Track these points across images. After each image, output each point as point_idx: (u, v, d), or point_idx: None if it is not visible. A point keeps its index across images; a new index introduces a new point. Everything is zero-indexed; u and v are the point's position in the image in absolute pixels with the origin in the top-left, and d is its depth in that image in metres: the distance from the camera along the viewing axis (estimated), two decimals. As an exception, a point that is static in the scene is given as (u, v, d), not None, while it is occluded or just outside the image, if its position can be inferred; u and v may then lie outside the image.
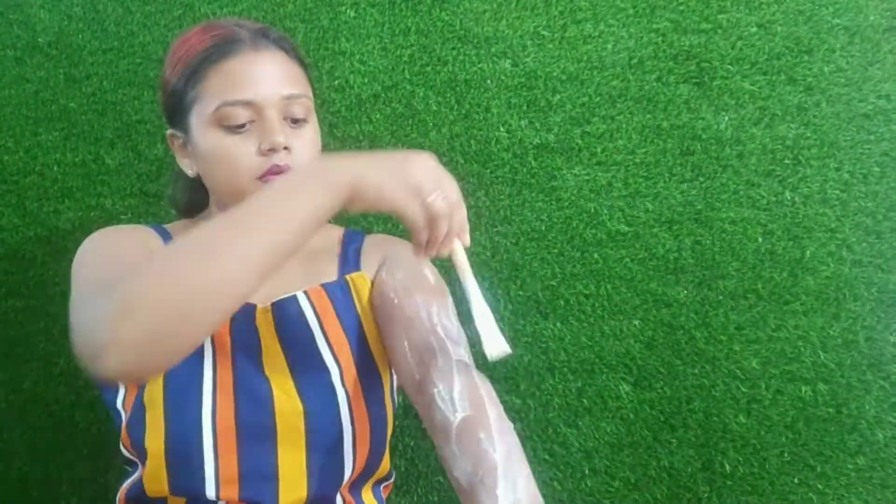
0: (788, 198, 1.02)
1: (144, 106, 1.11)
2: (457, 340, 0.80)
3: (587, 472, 1.03)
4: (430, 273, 0.88)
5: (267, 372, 0.80)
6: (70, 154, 1.12)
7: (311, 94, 0.86)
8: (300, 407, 0.78)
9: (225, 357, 0.80)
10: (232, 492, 0.76)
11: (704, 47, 1.04)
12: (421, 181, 0.67)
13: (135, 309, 0.59)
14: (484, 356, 0.70)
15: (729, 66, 1.03)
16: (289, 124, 0.83)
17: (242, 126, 0.80)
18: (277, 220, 0.64)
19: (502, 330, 0.71)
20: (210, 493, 0.76)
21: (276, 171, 0.80)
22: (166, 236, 0.88)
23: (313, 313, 0.83)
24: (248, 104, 0.80)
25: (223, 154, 0.81)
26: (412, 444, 1.07)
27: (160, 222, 1.10)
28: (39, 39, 1.13)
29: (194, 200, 0.95)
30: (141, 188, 1.11)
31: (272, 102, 0.81)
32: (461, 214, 0.71)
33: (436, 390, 0.74)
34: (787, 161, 1.02)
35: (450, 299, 0.86)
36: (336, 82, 1.09)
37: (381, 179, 0.66)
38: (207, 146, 0.82)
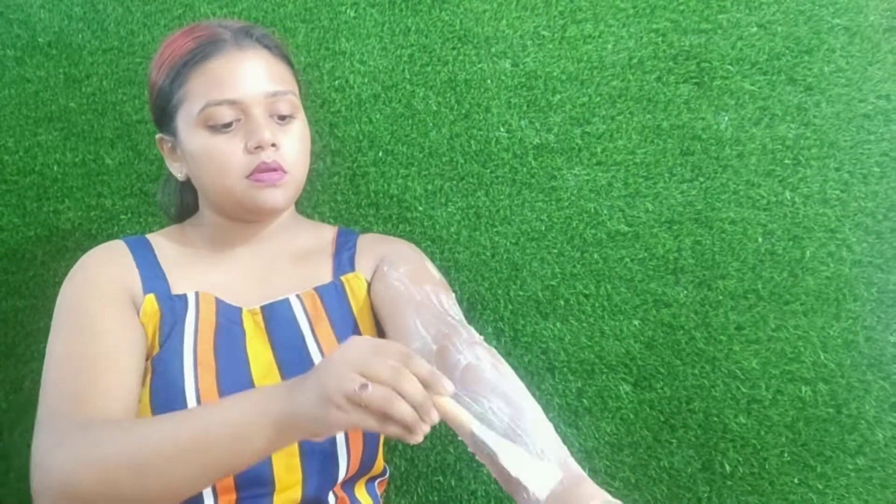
0: (788, 198, 1.02)
1: (144, 106, 1.11)
2: (469, 329, 0.79)
3: (587, 472, 1.03)
4: (434, 269, 0.89)
5: (255, 376, 0.80)
6: (70, 154, 1.12)
7: (297, 91, 0.86)
8: None
9: (208, 368, 0.79)
10: (229, 500, 0.77)
11: (704, 47, 1.04)
12: (342, 389, 0.58)
13: (72, 497, 0.67)
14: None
15: (729, 66, 1.03)
16: (275, 121, 0.83)
17: (229, 125, 0.81)
18: (218, 454, 0.65)
19: (539, 457, 0.63)
20: (208, 501, 0.76)
21: (265, 168, 0.81)
22: (144, 250, 0.87)
23: (305, 317, 0.83)
24: (232, 103, 0.80)
25: (211, 154, 0.81)
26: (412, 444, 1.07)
27: (160, 222, 1.11)
28: (39, 39, 1.14)
29: (185, 204, 0.95)
30: (141, 188, 1.11)
31: (257, 100, 0.81)
32: (410, 382, 0.59)
33: (461, 356, 0.72)
34: (787, 161, 1.02)
35: (454, 296, 0.86)
36: (336, 82, 1.09)
37: (310, 409, 0.61)
38: (195, 147, 0.82)
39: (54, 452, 0.69)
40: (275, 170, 0.81)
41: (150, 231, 1.10)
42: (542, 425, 0.67)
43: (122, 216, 1.11)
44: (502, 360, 0.74)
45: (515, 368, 1.03)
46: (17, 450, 1.11)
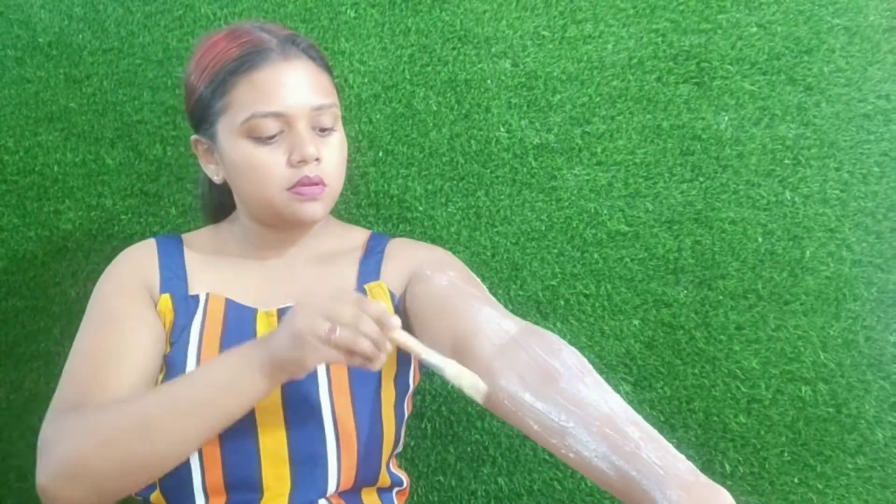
0: (788, 198, 1.02)
1: (144, 106, 1.11)
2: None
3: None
4: (479, 281, 0.89)
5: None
6: (70, 154, 1.12)
7: (338, 102, 0.86)
8: (282, 419, 0.78)
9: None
10: (219, 501, 0.78)
11: (704, 47, 1.04)
12: (312, 331, 0.67)
13: (77, 475, 0.70)
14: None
15: (729, 66, 1.03)
16: (317, 133, 0.82)
17: (272, 137, 0.80)
18: (212, 408, 0.71)
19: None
20: (199, 501, 0.77)
21: (307, 182, 0.81)
22: (172, 249, 0.89)
23: None
24: (278, 116, 0.80)
25: (253, 165, 0.81)
26: (412, 444, 1.07)
27: (160, 222, 1.11)
28: (39, 39, 1.14)
29: (222, 204, 0.95)
30: (141, 188, 1.11)
31: (303, 114, 0.81)
32: (368, 324, 0.67)
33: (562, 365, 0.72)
34: (787, 161, 1.02)
35: None
36: (336, 82, 1.09)
37: (286, 350, 0.69)
38: (236, 157, 0.82)
39: (59, 435, 0.72)
40: (316, 184, 0.81)
41: (151, 231, 1.10)
42: (654, 441, 0.65)
43: (123, 216, 1.11)
44: (589, 366, 0.73)
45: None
46: (17, 450, 1.11)
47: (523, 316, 1.04)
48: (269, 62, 0.80)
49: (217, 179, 0.87)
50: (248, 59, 0.81)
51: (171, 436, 0.71)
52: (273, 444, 0.78)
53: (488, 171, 1.06)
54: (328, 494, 0.79)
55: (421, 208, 1.07)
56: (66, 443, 0.71)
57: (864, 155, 1.01)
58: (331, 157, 0.83)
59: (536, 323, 1.04)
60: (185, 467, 0.76)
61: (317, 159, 0.81)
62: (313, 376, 0.79)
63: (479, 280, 0.89)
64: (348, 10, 1.09)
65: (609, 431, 0.64)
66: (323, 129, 0.83)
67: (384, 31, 1.09)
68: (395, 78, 1.08)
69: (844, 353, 1.00)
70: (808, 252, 1.01)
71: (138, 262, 0.87)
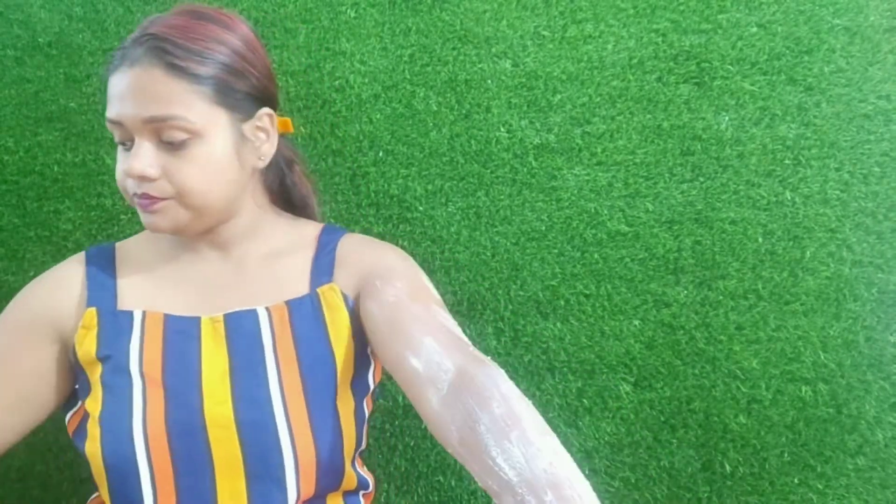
0: (788, 198, 1.02)
1: (144, 106, 1.11)
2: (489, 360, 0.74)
3: (587, 472, 1.03)
4: (429, 283, 0.85)
5: (205, 383, 0.77)
6: (70, 154, 1.12)
7: (198, 112, 0.76)
8: (235, 434, 0.75)
9: (154, 381, 0.77)
10: None
11: (705, 47, 1.04)
12: None
13: None
14: None
15: (729, 67, 1.03)
16: (167, 147, 0.76)
17: (125, 144, 0.78)
18: None
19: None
20: None
21: (146, 197, 0.77)
22: (103, 261, 0.85)
23: (269, 332, 0.80)
24: (114, 123, 0.77)
25: (116, 169, 0.80)
26: (412, 443, 1.07)
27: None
28: (39, 39, 1.13)
29: None
30: (141, 188, 1.11)
31: (134, 125, 0.75)
32: None
33: (494, 392, 0.68)
34: (787, 161, 1.02)
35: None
36: (336, 82, 1.09)
37: None
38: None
39: None
40: (146, 199, 0.77)
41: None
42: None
43: (122, 216, 1.11)
44: (520, 413, 0.68)
45: (515, 368, 1.04)
46: (17, 450, 1.11)
47: (524, 315, 1.05)
48: (117, 66, 0.77)
49: None
50: (111, 60, 0.78)
51: None
52: (227, 461, 0.75)
53: (488, 171, 1.06)
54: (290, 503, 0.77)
55: (421, 208, 1.07)
56: None
57: (864, 155, 1.01)
58: (181, 172, 0.76)
59: (536, 323, 1.04)
60: (135, 488, 0.74)
61: (143, 176, 0.76)
62: (266, 389, 0.77)
63: (430, 286, 0.84)
64: (348, 10, 1.09)
65: (529, 499, 0.61)
66: (171, 143, 0.75)
67: (384, 31, 1.09)
68: (395, 78, 1.08)
69: (845, 353, 1.00)
70: (808, 252, 1.01)
71: (57, 286, 0.83)
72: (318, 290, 0.83)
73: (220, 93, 0.77)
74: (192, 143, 0.76)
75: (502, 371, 0.70)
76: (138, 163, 0.75)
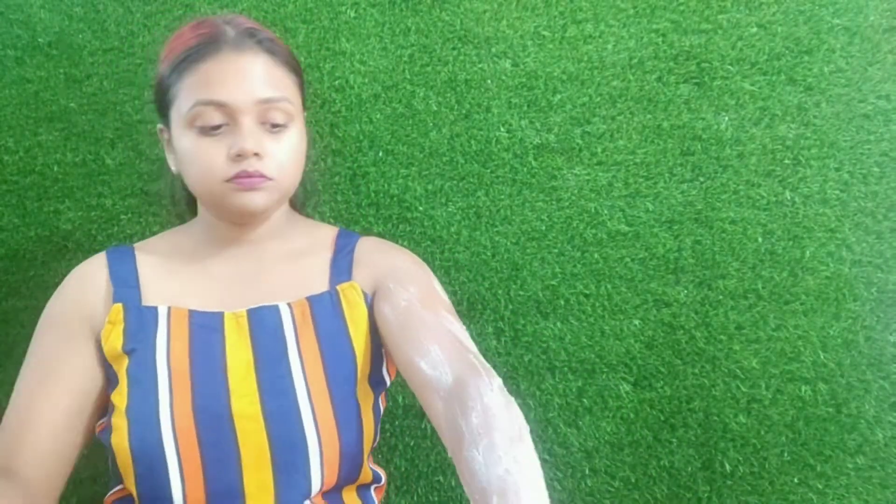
0: (788, 198, 1.02)
1: (145, 106, 1.11)
2: (489, 370, 0.76)
3: (587, 472, 1.03)
4: (441, 290, 0.86)
5: (231, 376, 0.79)
6: (70, 154, 1.12)
7: (295, 99, 0.84)
8: (263, 426, 0.77)
9: (181, 374, 0.79)
10: None
11: (705, 47, 1.04)
12: None
13: None
14: None
15: (729, 67, 1.03)
16: (268, 129, 0.81)
17: (217, 128, 0.79)
18: None
19: None
20: None
21: (245, 175, 0.79)
22: (125, 260, 0.87)
23: (292, 327, 0.82)
24: (220, 106, 0.79)
25: (196, 155, 0.80)
26: (412, 443, 1.07)
27: (160, 222, 1.11)
28: (39, 39, 1.13)
29: (185, 197, 0.95)
30: (141, 188, 1.11)
31: (246, 106, 0.79)
32: None
33: (476, 406, 0.70)
34: (787, 161, 1.03)
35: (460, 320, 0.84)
36: (336, 82, 1.09)
37: None
38: (182, 145, 0.82)
39: None
40: (255, 177, 0.80)
41: (151, 231, 1.10)
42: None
43: (123, 216, 1.11)
44: (517, 409, 0.71)
45: (515, 368, 1.05)
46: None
47: (524, 315, 1.05)
48: (219, 53, 0.80)
49: (174, 170, 0.87)
50: (200, 49, 0.80)
51: None
52: (254, 452, 0.76)
53: (488, 171, 1.06)
54: (312, 495, 0.79)
55: (421, 208, 1.07)
56: None
57: (864, 155, 1.02)
58: (277, 155, 0.81)
59: (537, 322, 1.04)
60: (163, 478, 0.75)
61: (256, 154, 0.79)
62: (290, 382, 0.79)
63: (441, 292, 0.86)
64: (348, 10, 1.09)
65: None
66: (275, 125, 0.81)
67: (384, 31, 1.09)
68: (395, 78, 1.08)
69: (844, 353, 1.00)
70: (808, 252, 1.01)
71: (83, 285, 0.85)
72: (338, 287, 0.85)
73: (300, 87, 0.86)
74: (289, 127, 0.82)
75: (497, 381, 0.72)
76: (252, 140, 0.79)
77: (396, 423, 1.07)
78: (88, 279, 0.86)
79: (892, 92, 1.01)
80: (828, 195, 1.02)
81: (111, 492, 0.82)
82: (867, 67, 1.02)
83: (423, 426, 1.07)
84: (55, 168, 1.12)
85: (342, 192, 1.09)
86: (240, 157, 0.79)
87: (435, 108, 1.08)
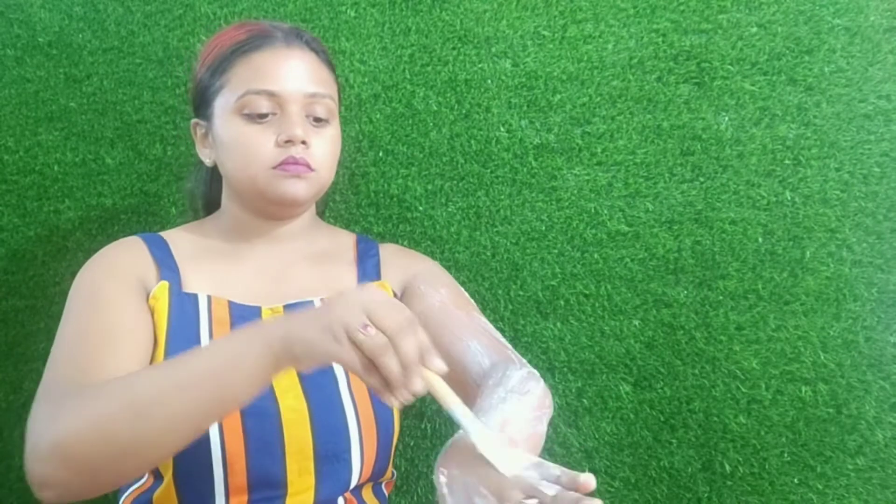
0: (788, 198, 1.02)
1: (145, 106, 1.11)
2: (521, 359, 0.80)
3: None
4: (467, 296, 0.90)
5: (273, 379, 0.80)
6: (70, 154, 1.12)
7: (336, 97, 0.88)
8: (307, 416, 0.78)
9: None
10: (241, 501, 0.77)
11: (705, 47, 1.04)
12: (345, 321, 0.57)
13: (69, 457, 0.64)
14: None
15: (729, 67, 1.03)
16: (311, 122, 0.84)
17: (264, 116, 0.82)
18: (210, 384, 0.63)
19: (509, 445, 0.63)
20: (219, 501, 0.76)
21: (292, 161, 0.82)
22: (159, 244, 0.87)
23: None
24: (271, 95, 0.82)
25: (242, 141, 0.82)
26: (412, 443, 1.07)
27: (160, 221, 1.11)
28: (39, 39, 1.14)
29: (211, 194, 0.95)
30: (141, 188, 1.11)
31: (296, 98, 0.83)
32: (409, 341, 0.58)
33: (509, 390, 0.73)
34: (787, 161, 1.02)
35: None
36: (338, 82, 1.09)
37: (305, 331, 0.60)
38: (228, 133, 0.84)
39: (50, 418, 0.67)
40: (301, 164, 0.83)
41: (151, 231, 1.10)
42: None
43: (123, 216, 1.11)
44: (549, 395, 0.75)
45: (515, 368, 1.04)
46: (17, 450, 1.11)
47: (524, 315, 1.05)
48: (270, 46, 0.84)
49: (208, 163, 0.89)
50: (250, 42, 0.84)
51: (166, 415, 0.63)
52: (298, 441, 0.77)
53: (488, 171, 1.06)
54: (350, 487, 0.80)
55: (421, 208, 1.07)
56: (58, 424, 0.65)
57: (864, 155, 1.01)
58: (321, 147, 0.84)
59: (536, 323, 1.04)
60: (205, 464, 0.75)
61: (303, 142, 0.82)
62: (332, 375, 0.80)
63: (466, 294, 0.90)
64: (348, 10, 1.09)
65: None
66: (317, 119, 0.84)
67: (384, 30, 1.09)
68: (395, 78, 1.08)
69: (844, 353, 1.00)
70: (808, 252, 1.01)
71: (129, 252, 0.85)
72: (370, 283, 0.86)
73: (338, 88, 0.91)
74: (330, 123, 0.86)
75: (534, 373, 0.76)
76: (300, 128, 0.82)
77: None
78: (135, 249, 0.85)
79: (893, 92, 1.01)
80: (828, 195, 1.02)
81: (125, 494, 0.81)
82: (868, 67, 1.01)
83: (422, 426, 1.07)
84: (55, 168, 1.12)
85: (342, 192, 1.09)
86: (289, 143, 0.82)
87: (435, 108, 1.07)
